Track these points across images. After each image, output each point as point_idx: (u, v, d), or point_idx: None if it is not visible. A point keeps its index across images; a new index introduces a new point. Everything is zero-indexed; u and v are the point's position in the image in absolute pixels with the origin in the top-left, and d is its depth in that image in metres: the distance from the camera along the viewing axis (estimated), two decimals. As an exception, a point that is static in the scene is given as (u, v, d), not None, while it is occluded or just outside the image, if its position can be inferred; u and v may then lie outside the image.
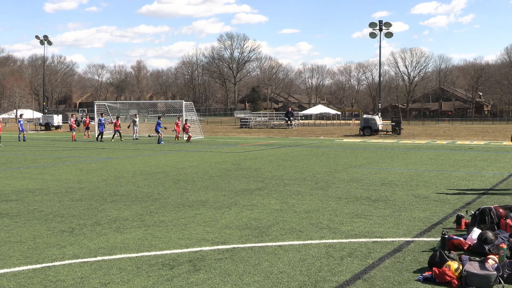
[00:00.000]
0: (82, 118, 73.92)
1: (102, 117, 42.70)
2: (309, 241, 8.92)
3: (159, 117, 41.65)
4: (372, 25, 65.21)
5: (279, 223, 10.31)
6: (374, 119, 49.42)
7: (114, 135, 41.86)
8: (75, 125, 45.88)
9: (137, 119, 44.87)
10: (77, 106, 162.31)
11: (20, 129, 41.88)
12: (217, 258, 7.91)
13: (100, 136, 41.20)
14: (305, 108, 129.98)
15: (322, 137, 45.14)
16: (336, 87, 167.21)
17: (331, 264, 7.62)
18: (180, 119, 42.52)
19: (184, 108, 44.75)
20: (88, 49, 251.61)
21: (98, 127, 42.01)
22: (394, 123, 49.91)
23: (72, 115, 61.34)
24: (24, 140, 40.52)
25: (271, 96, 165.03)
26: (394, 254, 8.13)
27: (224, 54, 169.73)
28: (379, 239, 9.06)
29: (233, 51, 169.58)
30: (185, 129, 40.82)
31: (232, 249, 8.42)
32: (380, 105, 70.89)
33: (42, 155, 27.14)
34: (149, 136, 46.96)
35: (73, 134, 43.54)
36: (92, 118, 51.56)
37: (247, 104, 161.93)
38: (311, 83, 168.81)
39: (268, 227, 9.96)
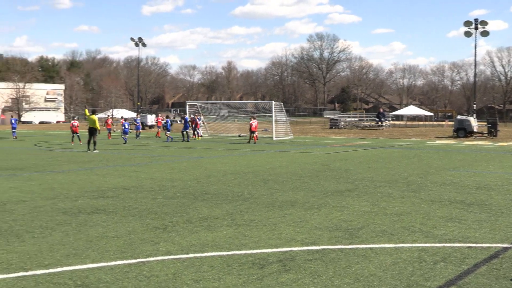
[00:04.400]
0: (174, 118, 75.84)
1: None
2: (400, 245, 8.76)
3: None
4: (467, 23, 63.21)
5: (370, 225, 10.18)
6: (468, 121, 47.93)
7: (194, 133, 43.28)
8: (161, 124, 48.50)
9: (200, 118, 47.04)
10: (170, 106, 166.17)
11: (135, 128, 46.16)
12: (307, 259, 7.89)
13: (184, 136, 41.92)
14: (396, 109, 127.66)
15: (414, 139, 44.23)
16: (428, 88, 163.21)
17: (423, 269, 7.44)
18: (253, 119, 40.34)
19: (273, 109, 44.96)
20: (182, 50, 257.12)
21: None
22: (490, 125, 48.23)
23: (158, 115, 63.79)
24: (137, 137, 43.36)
25: (361, 96, 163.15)
26: (490, 261, 7.84)
27: (314, 54, 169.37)
28: (474, 245, 8.77)
29: (323, 52, 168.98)
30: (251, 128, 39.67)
31: (322, 250, 8.38)
32: (475, 106, 68.74)
33: (137, 154, 27.98)
34: (239, 136, 47.48)
35: (158, 131, 46.57)
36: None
37: (336, 105, 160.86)
38: (403, 83, 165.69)
39: (359, 229, 9.85)
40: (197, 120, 44.78)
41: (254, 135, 38.79)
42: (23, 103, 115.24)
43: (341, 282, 6.87)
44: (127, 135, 37.87)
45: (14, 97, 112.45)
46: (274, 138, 42.73)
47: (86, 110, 32.79)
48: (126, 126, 38.23)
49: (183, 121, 43.19)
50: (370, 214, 11.30)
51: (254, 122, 38.77)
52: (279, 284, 6.81)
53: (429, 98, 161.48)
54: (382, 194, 14.03)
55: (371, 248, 8.52)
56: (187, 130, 41.43)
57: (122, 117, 53.19)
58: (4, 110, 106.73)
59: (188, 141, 40.04)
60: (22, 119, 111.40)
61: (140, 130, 45.81)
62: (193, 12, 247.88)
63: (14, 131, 45.87)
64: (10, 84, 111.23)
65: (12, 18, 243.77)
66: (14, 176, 18.10)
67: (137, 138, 43.84)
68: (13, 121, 47.77)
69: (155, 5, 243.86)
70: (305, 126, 79.22)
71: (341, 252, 8.28)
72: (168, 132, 41.50)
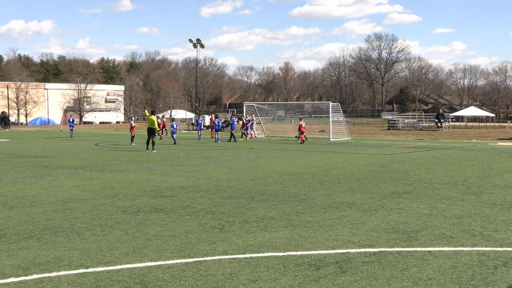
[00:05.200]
0: (231, 118, 76.33)
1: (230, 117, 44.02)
2: (460, 248, 8.58)
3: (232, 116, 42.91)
4: (531, 22, 61.54)
5: (428, 228, 10.01)
6: (532, 122, 46.58)
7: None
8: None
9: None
10: (227, 106, 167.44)
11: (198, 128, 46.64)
12: (364, 261, 7.82)
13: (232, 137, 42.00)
14: (456, 110, 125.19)
15: (474, 140, 43.25)
16: (490, 88, 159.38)
17: (484, 273, 7.27)
18: (302, 120, 40.31)
19: (330, 109, 44.71)
20: (240, 51, 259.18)
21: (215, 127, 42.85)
22: (554, 126, 46.74)
23: (213, 114, 64.08)
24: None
25: (420, 97, 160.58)
26: (554, 266, 7.61)
27: (372, 54, 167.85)
28: (537, 249, 8.52)
29: (381, 52, 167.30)
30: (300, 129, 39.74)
31: (379, 253, 8.29)
32: (539, 107, 66.71)
33: (194, 154, 28.27)
34: (296, 136, 47.39)
35: (212, 132, 46.12)
36: (240, 119, 53.20)
37: (395, 105, 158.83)
38: (463, 83, 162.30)
39: (417, 232, 9.70)
40: (244, 120, 45.06)
41: (302, 136, 38.97)
42: (85, 104, 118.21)
43: (398, 285, 6.79)
44: (175, 135, 38.21)
45: (76, 98, 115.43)
46: (331, 139, 42.51)
47: (146, 111, 33.35)
48: (175, 127, 38.62)
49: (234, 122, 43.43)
50: (429, 217, 11.11)
51: (303, 123, 39.02)
52: (335, 285, 6.78)
53: (490, 99, 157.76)
54: (441, 197, 13.78)
55: (429, 251, 8.38)
56: (233, 131, 41.81)
57: (163, 116, 53.64)
58: (66, 111, 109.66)
59: (235, 141, 40.28)
60: (83, 119, 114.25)
61: (201, 132, 46.00)
62: (251, 13, 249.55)
63: (72, 130, 48.05)
64: (73, 85, 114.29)
65: (75, 21, 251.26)
66: (75, 175, 18.58)
67: (199, 139, 44.30)
68: (71, 120, 49.63)
69: (214, 6, 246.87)
70: (362, 127, 78.42)
71: (398, 255, 8.17)
72: (217, 133, 41.39)
